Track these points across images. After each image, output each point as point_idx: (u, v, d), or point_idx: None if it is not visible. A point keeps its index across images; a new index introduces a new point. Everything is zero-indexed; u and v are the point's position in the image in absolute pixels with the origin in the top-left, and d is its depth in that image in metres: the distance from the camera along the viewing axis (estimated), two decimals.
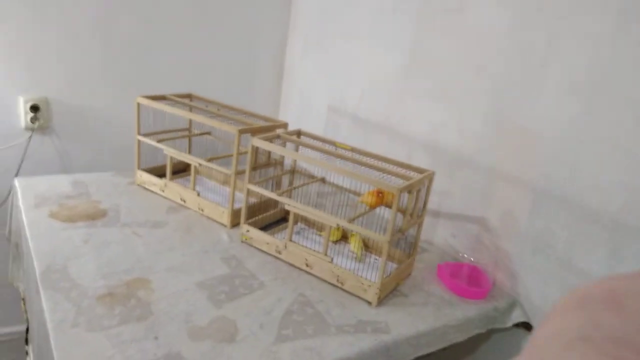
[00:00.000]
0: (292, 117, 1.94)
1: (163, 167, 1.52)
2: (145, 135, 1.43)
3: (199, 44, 1.75)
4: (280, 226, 1.32)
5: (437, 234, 1.37)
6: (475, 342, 1.28)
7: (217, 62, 1.82)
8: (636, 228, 0.93)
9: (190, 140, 1.57)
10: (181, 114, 1.34)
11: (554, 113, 1.06)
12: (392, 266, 1.15)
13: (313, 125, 1.80)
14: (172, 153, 1.37)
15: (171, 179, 1.40)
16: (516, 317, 1.14)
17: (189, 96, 1.54)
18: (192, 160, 1.33)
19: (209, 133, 1.57)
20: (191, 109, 1.44)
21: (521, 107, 1.12)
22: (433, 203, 1.36)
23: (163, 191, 1.42)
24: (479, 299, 1.13)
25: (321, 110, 1.79)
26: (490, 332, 1.15)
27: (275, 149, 1.16)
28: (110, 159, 1.69)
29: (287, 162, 1.39)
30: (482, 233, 1.24)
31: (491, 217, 1.21)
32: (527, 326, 1.14)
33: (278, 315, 0.96)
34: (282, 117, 2.03)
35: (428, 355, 1.01)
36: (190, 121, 1.57)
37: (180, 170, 1.59)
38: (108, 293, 0.94)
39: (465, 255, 1.21)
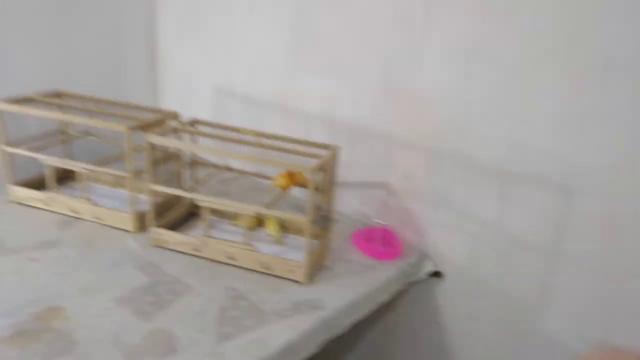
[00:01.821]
0: (175, 104, 1.84)
1: (40, 178, 1.35)
2: (13, 145, 1.25)
3: (56, 35, 1.55)
4: (190, 222, 1.27)
5: (345, 204, 1.43)
6: (394, 299, 1.38)
7: (80, 53, 1.63)
8: (517, 174, 1.07)
9: (67, 143, 1.42)
10: (58, 117, 1.20)
11: (437, 78, 1.15)
12: (313, 242, 1.17)
13: (200, 110, 1.73)
14: (53, 162, 1.23)
15: (56, 189, 1.26)
16: (428, 268, 1.26)
17: (58, 94, 1.37)
18: (79, 166, 1.21)
19: (90, 133, 1.43)
20: (62, 110, 1.29)
21: (407, 74, 1.20)
22: (338, 175, 1.41)
23: (48, 205, 1.27)
24: (394, 258, 1.22)
25: (206, 93, 1.72)
26: (407, 287, 1.25)
27: (175, 144, 1.10)
28: None
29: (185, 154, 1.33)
30: (387, 197, 1.32)
31: (394, 181, 1.30)
32: (438, 274, 1.27)
33: (213, 315, 0.93)
34: (163, 105, 1.91)
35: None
36: (65, 123, 1.41)
37: (60, 177, 1.42)
38: (17, 332, 0.84)
39: (376, 220, 1.28)
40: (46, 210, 1.27)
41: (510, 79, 1.04)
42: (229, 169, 1.30)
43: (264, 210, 1.05)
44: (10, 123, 1.25)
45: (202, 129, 1.23)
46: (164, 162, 1.24)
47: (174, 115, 1.28)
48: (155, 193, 1.13)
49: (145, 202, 1.15)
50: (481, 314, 1.22)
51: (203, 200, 1.09)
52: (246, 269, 1.10)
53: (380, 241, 1.27)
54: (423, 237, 1.27)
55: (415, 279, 1.24)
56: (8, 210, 1.26)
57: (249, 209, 1.06)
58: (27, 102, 1.26)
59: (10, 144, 1.25)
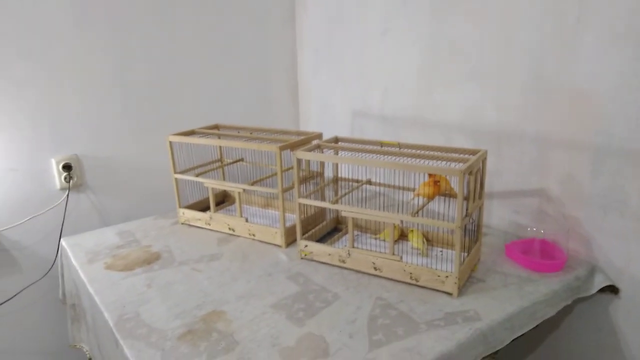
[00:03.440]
0: (314, 128, 1.93)
1: (201, 202, 1.51)
2: (181, 172, 1.42)
3: (213, 79, 1.76)
4: (334, 237, 1.29)
5: (493, 215, 1.34)
6: (558, 317, 1.23)
7: (234, 93, 1.82)
8: None
9: (223, 170, 1.56)
10: (219, 144, 1.33)
11: (598, 68, 1.03)
12: (462, 254, 1.11)
13: (338, 133, 1.79)
14: (213, 184, 1.36)
15: (215, 211, 1.39)
16: (599, 282, 1.10)
17: (216, 127, 1.53)
18: (235, 187, 1.32)
19: (242, 160, 1.56)
20: (221, 138, 1.43)
21: (562, 68, 1.10)
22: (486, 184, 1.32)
23: (209, 224, 1.40)
24: (557, 271, 1.09)
25: (344, 117, 1.78)
26: (573, 304, 1.11)
27: (321, 157, 1.14)
28: (147, 204, 1.68)
29: (327, 173, 1.37)
30: (544, 204, 1.20)
31: (551, 186, 1.18)
32: (613, 289, 1.10)
33: (363, 323, 0.92)
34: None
35: (517, 338, 0.97)
36: (221, 151, 1.56)
37: (217, 202, 1.57)
38: (188, 331, 0.92)
39: (534, 229, 1.16)
40: (208, 229, 1.40)
41: None
42: (369, 182, 1.30)
43: (407, 218, 1.02)
44: (178, 156, 1.42)
45: (346, 144, 1.26)
46: (308, 180, 1.30)
47: (318, 136, 1.34)
48: (302, 207, 1.18)
49: (293, 220, 1.21)
50: None
51: (348, 210, 1.10)
52: (392, 279, 1.08)
53: (539, 253, 1.15)
54: (591, 247, 1.12)
55: (585, 294, 1.09)
56: (177, 230, 1.42)
57: (394, 218, 1.04)
58: (191, 134, 1.42)
59: (178, 172, 1.41)
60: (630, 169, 1.01)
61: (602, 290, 1.10)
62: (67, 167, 1.51)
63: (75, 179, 1.53)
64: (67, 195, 1.52)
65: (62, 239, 1.39)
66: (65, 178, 1.51)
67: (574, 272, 1.09)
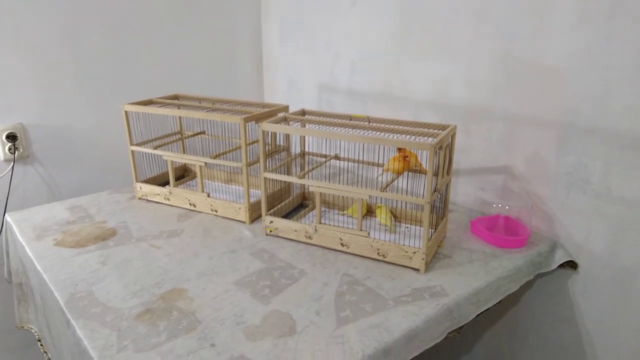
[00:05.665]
0: (280, 102, 1.87)
1: (160, 177, 1.45)
2: (138, 144, 1.34)
3: (173, 45, 1.66)
4: (301, 213, 1.26)
5: (459, 192, 1.34)
6: (519, 292, 1.25)
7: (194, 62, 1.73)
8: None
9: (183, 143, 1.49)
10: (179, 114, 1.26)
11: (567, 45, 1.03)
12: (430, 230, 1.10)
13: (305, 107, 1.74)
14: (173, 157, 1.29)
15: (174, 186, 1.33)
16: (560, 258, 1.12)
17: (176, 97, 1.46)
18: (197, 160, 1.26)
19: (203, 132, 1.49)
20: (181, 108, 1.36)
21: (531, 45, 1.09)
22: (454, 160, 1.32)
23: (168, 200, 1.33)
24: (520, 247, 1.10)
25: (311, 91, 1.73)
26: (534, 279, 1.12)
27: (287, 130, 1.10)
28: (101, 178, 1.59)
29: (293, 148, 1.33)
30: (509, 182, 1.21)
31: (516, 164, 1.18)
32: (572, 265, 1.12)
33: (330, 299, 0.90)
34: None
35: (480, 313, 0.98)
36: (181, 123, 1.49)
37: (177, 177, 1.51)
38: (146, 310, 0.87)
39: (499, 205, 1.17)
40: (167, 204, 1.34)
41: None
42: (337, 157, 1.27)
43: (375, 193, 1.00)
44: (133, 126, 1.34)
45: (313, 118, 1.22)
46: (274, 154, 1.26)
47: (285, 109, 1.30)
48: (267, 182, 1.13)
49: (257, 196, 1.16)
50: (627, 312, 1.05)
51: (315, 185, 1.07)
52: (359, 255, 1.06)
53: (503, 229, 1.16)
54: (553, 224, 1.14)
55: (546, 269, 1.11)
56: (134, 205, 1.35)
57: (362, 193, 1.02)
58: (148, 104, 1.34)
59: (135, 144, 1.34)
60: (595, 147, 1.03)
61: (562, 265, 1.13)
62: (11, 137, 1.39)
63: (21, 149, 1.42)
64: (12, 167, 1.42)
65: (6, 214, 1.29)
66: (9, 149, 1.40)
67: (536, 248, 1.10)
